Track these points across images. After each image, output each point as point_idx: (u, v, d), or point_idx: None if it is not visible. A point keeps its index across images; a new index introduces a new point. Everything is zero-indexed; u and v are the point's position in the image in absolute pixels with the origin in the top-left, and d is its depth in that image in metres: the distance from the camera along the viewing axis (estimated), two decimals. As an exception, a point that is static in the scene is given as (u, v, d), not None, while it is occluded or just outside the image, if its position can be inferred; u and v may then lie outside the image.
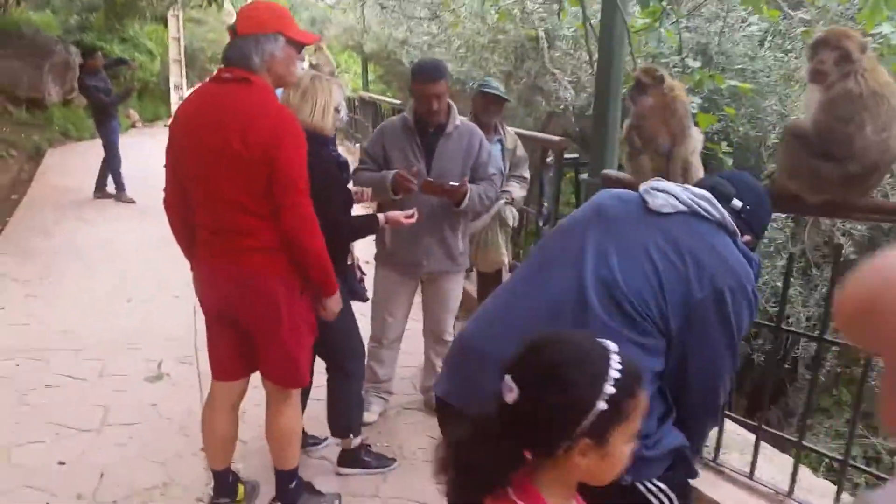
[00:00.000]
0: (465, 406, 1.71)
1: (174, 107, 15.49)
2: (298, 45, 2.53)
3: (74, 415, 3.75)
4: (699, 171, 3.23)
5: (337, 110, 2.90)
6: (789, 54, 5.83)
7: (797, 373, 6.47)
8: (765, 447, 2.90)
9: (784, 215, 5.30)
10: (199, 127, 2.45)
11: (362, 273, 3.30)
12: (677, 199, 1.92)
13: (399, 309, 3.65)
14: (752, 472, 2.77)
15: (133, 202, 8.39)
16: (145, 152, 10.47)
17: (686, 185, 1.97)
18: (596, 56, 4.03)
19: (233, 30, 2.48)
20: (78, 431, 3.60)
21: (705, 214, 1.90)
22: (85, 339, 4.74)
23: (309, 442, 3.45)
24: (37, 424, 3.66)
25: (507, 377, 1.26)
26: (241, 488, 3.03)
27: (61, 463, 3.35)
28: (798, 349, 5.83)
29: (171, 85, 15.57)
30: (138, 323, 5.09)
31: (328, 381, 3.23)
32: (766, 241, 5.54)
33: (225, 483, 2.95)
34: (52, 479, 3.21)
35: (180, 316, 5.17)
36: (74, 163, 10.01)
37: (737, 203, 1.98)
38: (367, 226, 3.17)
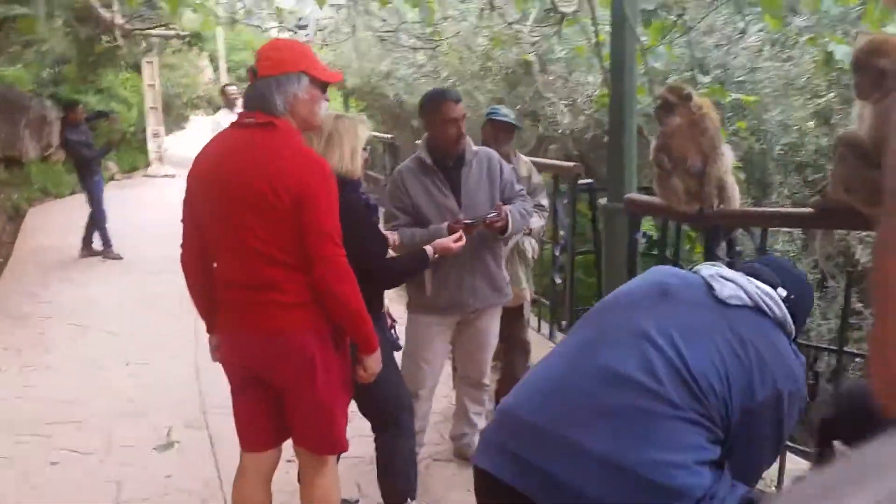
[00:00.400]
0: (515, 483, 1.66)
1: (152, 155, 15.27)
2: (322, 85, 2.37)
3: (85, 493, 3.50)
4: (735, 191, 3.09)
5: (365, 150, 2.74)
6: (788, 63, 5.75)
7: (818, 386, 6.35)
8: (791, 460, 2.87)
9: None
10: (222, 174, 2.28)
11: (393, 320, 3.10)
12: (745, 291, 1.83)
13: (437, 356, 3.39)
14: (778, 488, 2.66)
15: (120, 258, 8.15)
16: (128, 205, 10.28)
17: (750, 278, 1.87)
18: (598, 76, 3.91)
19: (252, 71, 2.31)
20: (91, 513, 3.35)
21: (768, 311, 1.81)
22: (87, 409, 4.49)
23: None
24: (46, 507, 3.40)
25: (836, 443, 1.11)
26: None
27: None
28: (820, 364, 5.69)
29: (149, 133, 15.33)
30: (140, 387, 4.84)
31: (378, 441, 2.96)
32: (777, 252, 5.42)
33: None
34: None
35: (182, 377, 4.94)
36: (56, 221, 9.76)
37: (781, 292, 1.87)
38: (417, 263, 2.95)
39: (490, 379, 3.62)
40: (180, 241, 2.48)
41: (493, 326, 3.47)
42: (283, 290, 2.28)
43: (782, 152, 5.57)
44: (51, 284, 7.31)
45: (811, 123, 5.77)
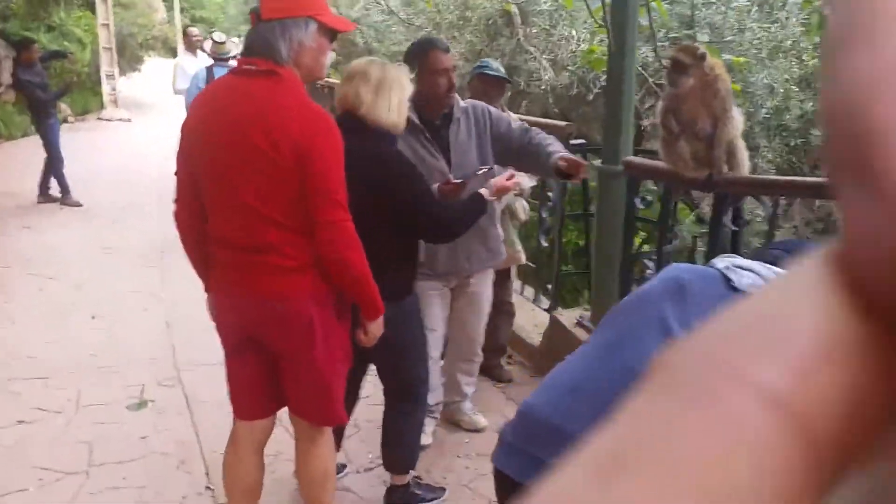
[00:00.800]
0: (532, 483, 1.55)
1: (106, 98, 14.70)
2: (331, 33, 2.19)
3: (56, 455, 3.33)
4: (744, 155, 3.01)
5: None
6: (775, 25, 5.67)
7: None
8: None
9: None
10: (218, 126, 2.11)
11: None
12: (764, 280, 1.73)
13: (439, 322, 3.19)
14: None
15: (80, 205, 7.82)
16: (83, 150, 9.87)
17: (768, 266, 1.79)
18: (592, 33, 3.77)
19: (255, 13, 2.12)
20: (63, 475, 3.19)
21: None
22: (52, 365, 4.28)
23: None
24: (16, 469, 3.23)
25: None
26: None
27: (51, 515, 2.96)
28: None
29: (103, 75, 14.72)
30: (108, 343, 4.65)
31: (389, 410, 2.84)
32: (759, 219, 5.41)
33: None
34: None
35: (153, 332, 4.76)
36: (10, 164, 9.33)
37: None
38: (474, 208, 2.69)
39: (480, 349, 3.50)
40: (174, 197, 2.32)
41: (486, 290, 3.34)
42: (283, 254, 2.14)
43: (767, 116, 5.52)
44: (8, 232, 6.98)
45: (795, 88, 5.73)
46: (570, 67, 6.00)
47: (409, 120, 2.92)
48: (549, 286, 4.30)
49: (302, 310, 2.17)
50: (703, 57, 2.84)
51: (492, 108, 3.14)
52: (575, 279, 4.94)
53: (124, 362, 4.34)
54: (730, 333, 0.16)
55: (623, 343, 1.72)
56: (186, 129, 2.23)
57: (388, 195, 2.40)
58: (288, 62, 2.11)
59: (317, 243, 2.10)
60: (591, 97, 5.71)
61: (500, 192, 2.77)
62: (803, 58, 5.76)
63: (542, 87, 6.04)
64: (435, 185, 2.86)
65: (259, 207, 2.10)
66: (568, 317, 4.11)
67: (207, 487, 3.10)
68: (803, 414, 0.14)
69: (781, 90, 5.61)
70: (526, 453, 1.68)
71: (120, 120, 14.08)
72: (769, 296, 0.17)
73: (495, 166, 3.03)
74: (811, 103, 5.50)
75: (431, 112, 3.00)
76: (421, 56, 2.96)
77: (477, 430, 3.48)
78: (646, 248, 3.57)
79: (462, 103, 3.07)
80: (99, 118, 14.13)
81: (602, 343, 1.81)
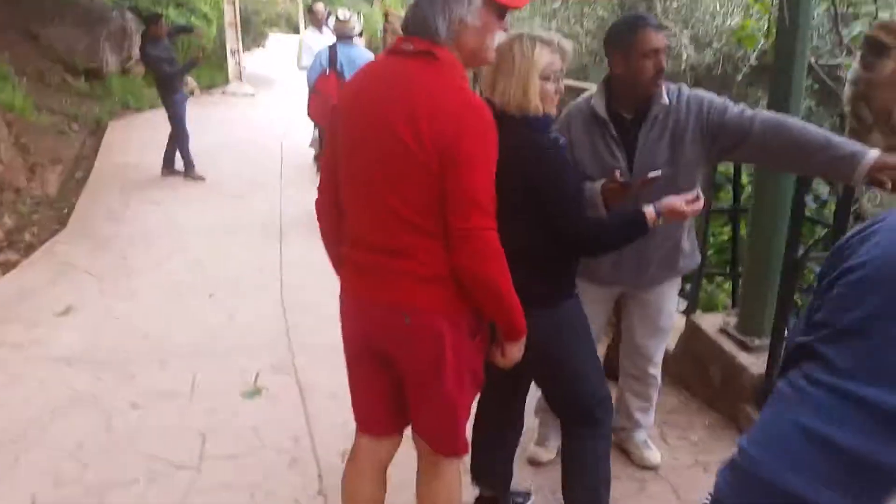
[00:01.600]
0: None
1: (231, 73, 14.99)
2: (500, 9, 1.91)
3: (169, 444, 3.24)
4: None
5: (547, 78, 2.10)
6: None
7: None
8: None
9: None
10: (364, 111, 1.88)
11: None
12: None
13: (596, 332, 2.73)
14: None
15: (203, 179, 7.90)
16: (208, 123, 10.03)
17: None
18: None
19: None
20: (175, 469, 3.08)
21: None
22: (170, 345, 4.25)
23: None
24: (127, 457, 3.15)
25: None
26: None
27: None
28: None
29: (228, 50, 14.99)
30: (225, 323, 4.59)
31: (566, 440, 2.46)
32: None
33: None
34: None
35: (268, 315, 4.68)
36: (137, 136, 9.56)
37: None
38: (634, 226, 2.19)
39: (659, 370, 3.01)
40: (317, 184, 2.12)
41: (665, 303, 2.81)
42: (420, 261, 1.87)
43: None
44: (132, 205, 7.11)
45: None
46: (714, 45, 5.48)
47: (593, 111, 2.54)
48: (689, 286, 3.89)
49: (432, 325, 1.91)
50: (907, 35, 2.39)
51: (704, 95, 2.52)
52: (719, 279, 4.49)
53: (239, 345, 4.26)
54: None
55: None
56: (336, 110, 2.00)
57: (531, 190, 2.09)
58: (448, 42, 1.84)
59: (451, 252, 1.83)
60: (739, 77, 5.20)
61: (672, 216, 2.21)
62: None
63: (682, 67, 5.56)
64: (599, 182, 2.43)
65: (398, 207, 1.85)
66: (709, 322, 3.70)
67: (319, 493, 2.92)
68: None
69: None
70: None
71: (244, 94, 14.32)
72: None
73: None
74: None
75: (626, 102, 2.51)
76: (629, 35, 2.42)
77: (647, 468, 3.06)
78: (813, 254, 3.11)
79: (665, 97, 2.49)
80: (223, 92, 14.39)
81: None
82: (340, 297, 2.10)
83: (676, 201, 2.18)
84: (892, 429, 0.94)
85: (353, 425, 2.26)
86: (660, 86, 2.45)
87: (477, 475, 2.68)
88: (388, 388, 2.11)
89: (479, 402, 2.59)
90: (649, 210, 2.15)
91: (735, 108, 2.48)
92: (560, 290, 2.26)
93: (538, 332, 2.08)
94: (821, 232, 3.53)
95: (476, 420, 2.61)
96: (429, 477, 2.19)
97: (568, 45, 2.15)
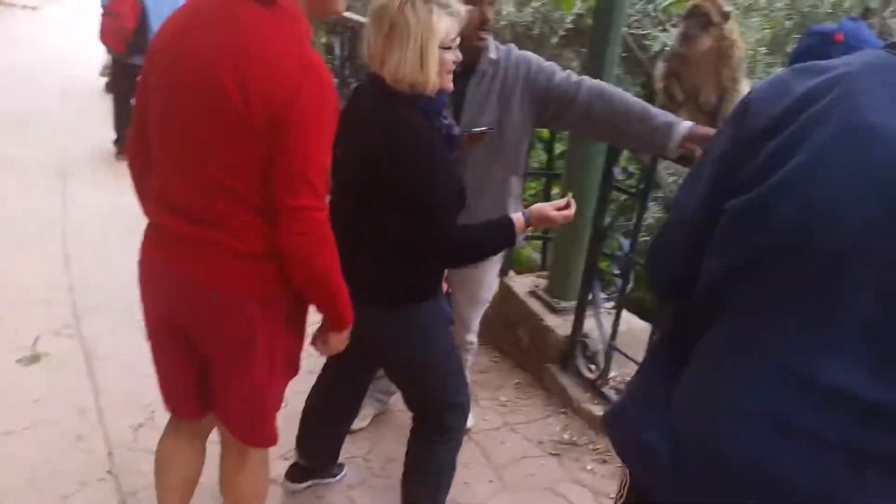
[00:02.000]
0: None
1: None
2: None
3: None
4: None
5: (447, 48, 1.86)
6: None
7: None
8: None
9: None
10: (184, 59, 1.61)
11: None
12: None
13: None
14: None
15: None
16: None
17: None
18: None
19: None
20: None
21: None
22: (-73, 304, 3.69)
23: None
24: None
25: None
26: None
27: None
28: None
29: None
30: (-4, 275, 4.05)
31: (413, 437, 2.35)
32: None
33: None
34: None
35: (48, 264, 4.20)
36: None
37: None
38: (497, 235, 2.02)
39: (476, 336, 2.98)
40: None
41: (484, 276, 2.77)
42: (236, 234, 1.66)
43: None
44: None
45: (763, 49, 5.46)
46: (533, 3, 5.51)
47: None
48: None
49: (243, 307, 1.72)
50: (727, 16, 2.46)
51: (532, 57, 2.47)
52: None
53: (14, 302, 3.77)
54: None
55: None
56: (149, 53, 1.72)
57: (400, 184, 1.87)
58: None
59: (277, 232, 1.63)
60: (555, 39, 5.26)
61: (542, 222, 2.09)
62: (774, 17, 5.50)
63: (501, 23, 5.54)
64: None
65: (217, 172, 1.62)
66: (521, 284, 3.77)
67: (109, 472, 2.66)
68: None
69: (750, 51, 5.31)
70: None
71: (25, 7, 12.72)
72: None
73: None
74: (779, 66, 5.24)
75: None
76: None
77: None
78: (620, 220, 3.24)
79: (493, 52, 2.40)
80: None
81: None
82: (140, 261, 1.84)
83: (546, 207, 2.06)
84: None
85: (148, 397, 2.04)
86: (485, 39, 2.38)
87: (302, 450, 2.58)
88: (195, 369, 1.90)
89: (318, 384, 2.51)
90: (518, 217, 2.03)
91: (562, 73, 2.46)
92: (415, 291, 2.06)
93: (386, 334, 2.01)
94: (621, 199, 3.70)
95: (312, 400, 2.52)
96: (234, 468, 2.01)
97: (463, 7, 1.91)
